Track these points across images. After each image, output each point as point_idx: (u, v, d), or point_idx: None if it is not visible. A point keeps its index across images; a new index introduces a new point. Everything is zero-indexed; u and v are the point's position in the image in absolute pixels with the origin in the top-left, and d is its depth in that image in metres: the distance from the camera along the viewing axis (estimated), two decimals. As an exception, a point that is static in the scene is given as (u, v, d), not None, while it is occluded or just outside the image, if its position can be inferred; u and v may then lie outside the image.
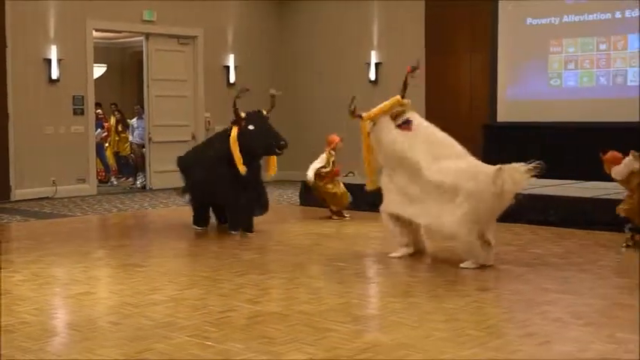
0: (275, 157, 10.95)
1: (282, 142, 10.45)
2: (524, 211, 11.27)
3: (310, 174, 11.93)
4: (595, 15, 14.22)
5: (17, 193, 14.95)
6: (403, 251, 8.79)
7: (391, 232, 8.97)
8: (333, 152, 12.06)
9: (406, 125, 8.65)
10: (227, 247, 10.00)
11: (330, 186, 12.03)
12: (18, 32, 15.00)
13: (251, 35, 18.56)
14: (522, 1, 15.01)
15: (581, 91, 14.39)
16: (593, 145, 13.59)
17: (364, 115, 8.83)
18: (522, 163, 7.96)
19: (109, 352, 5.46)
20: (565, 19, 14.54)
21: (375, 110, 8.83)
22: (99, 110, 18.02)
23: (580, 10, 14.36)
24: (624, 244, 9.31)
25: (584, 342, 5.67)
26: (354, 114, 8.96)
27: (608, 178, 11.61)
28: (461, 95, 15.96)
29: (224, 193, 10.45)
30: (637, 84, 13.75)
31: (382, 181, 8.89)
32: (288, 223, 12.03)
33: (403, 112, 8.83)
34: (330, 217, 12.09)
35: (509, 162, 8.26)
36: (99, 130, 17.98)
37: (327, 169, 11.97)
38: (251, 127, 10.44)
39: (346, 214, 12.16)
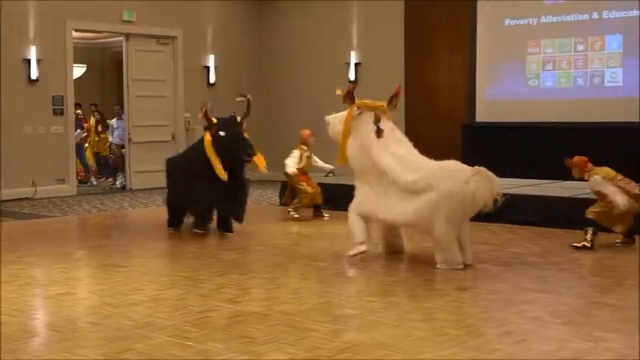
0: (261, 156, 10.75)
1: (250, 151, 10.32)
2: (504, 211, 11.34)
3: (291, 165, 11.87)
4: (573, 16, 14.26)
5: (-4, 194, 14.89)
6: (360, 249, 8.63)
7: (352, 229, 8.78)
8: (304, 147, 12.00)
9: (378, 132, 8.68)
10: (207, 248, 9.99)
11: (303, 183, 11.95)
12: (-3, 32, 14.93)
13: (231, 35, 18.53)
14: (501, 2, 15.04)
15: (558, 91, 14.43)
16: (571, 146, 13.70)
17: (357, 101, 8.86)
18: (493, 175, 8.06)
19: (89, 353, 5.44)
20: (543, 19, 14.58)
21: (367, 102, 8.90)
22: (79, 111, 17.97)
23: (558, 11, 14.40)
24: (580, 244, 9.24)
25: (563, 341, 5.69)
26: (347, 98, 8.93)
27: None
28: (440, 95, 16.00)
29: (197, 196, 10.35)
30: (614, 85, 13.81)
31: (356, 182, 8.92)
32: (268, 223, 12.02)
33: (379, 119, 8.80)
34: (289, 215, 12.02)
35: (488, 162, 8.31)
36: (78, 130, 17.92)
37: (301, 165, 11.95)
38: (222, 134, 10.32)
39: (326, 214, 12.09)
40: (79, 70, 19.01)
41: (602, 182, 9.31)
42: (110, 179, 18.45)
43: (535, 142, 13.90)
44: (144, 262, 8.89)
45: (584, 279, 7.81)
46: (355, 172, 8.92)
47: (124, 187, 17.10)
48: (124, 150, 17.31)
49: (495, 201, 8.03)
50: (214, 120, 10.50)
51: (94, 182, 18.75)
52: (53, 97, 15.79)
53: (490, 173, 8.03)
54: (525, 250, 9.33)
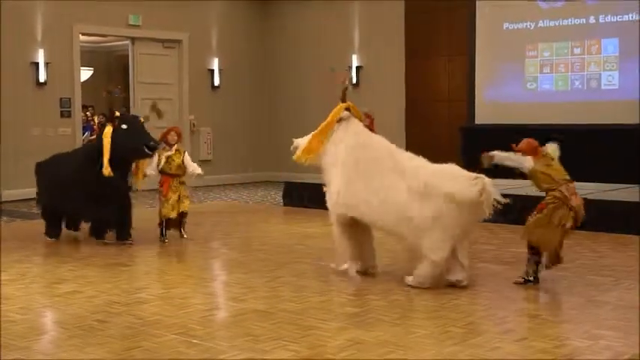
0: (145, 162, 10.02)
1: (152, 143, 9.66)
2: (503, 211, 11.31)
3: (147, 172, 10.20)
4: (569, 20, 14.26)
5: (5, 194, 14.87)
6: (349, 265, 7.97)
7: (338, 242, 8.09)
8: (167, 146, 10.11)
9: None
10: (212, 247, 9.99)
11: (160, 189, 10.23)
12: (5, 36, 14.92)
13: (235, 39, 18.52)
14: (499, 7, 15.03)
15: (556, 94, 14.43)
16: (569, 147, 13.70)
17: (349, 103, 8.26)
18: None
19: (97, 350, 5.43)
20: (540, 24, 14.57)
21: (355, 109, 8.30)
22: (89, 112, 17.93)
23: (555, 15, 14.39)
24: (521, 279, 7.45)
25: (561, 338, 5.68)
26: (344, 97, 8.34)
27: (584, 178, 11.58)
28: (440, 98, 15.98)
29: (82, 203, 9.86)
30: (610, 87, 13.80)
31: (332, 182, 8.05)
32: (272, 223, 12.01)
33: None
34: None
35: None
36: (87, 133, 17.89)
37: (161, 166, 10.09)
38: (124, 127, 9.72)
39: (186, 234, 10.29)
40: (85, 73, 18.99)
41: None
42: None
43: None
44: (149, 262, 8.90)
45: (582, 278, 7.78)
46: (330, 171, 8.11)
47: (129, 188, 17.05)
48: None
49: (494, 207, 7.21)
50: (117, 113, 9.95)
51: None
52: (61, 99, 15.80)
53: (489, 181, 7.24)
54: (525, 250, 9.29)
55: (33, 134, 15.28)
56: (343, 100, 8.29)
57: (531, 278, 7.37)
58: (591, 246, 9.53)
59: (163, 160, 9.99)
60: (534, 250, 7.40)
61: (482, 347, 5.44)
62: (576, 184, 7.21)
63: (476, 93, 15.31)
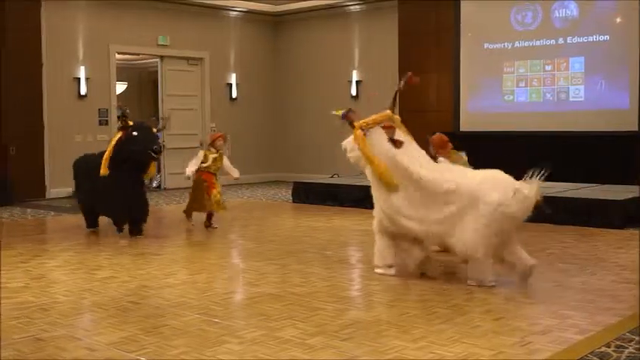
0: (153, 163, 9.99)
1: (156, 147, 9.56)
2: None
3: (188, 169, 10.24)
4: (541, 41, 14.25)
5: (52, 192, 14.91)
6: (390, 271, 7.25)
7: (379, 249, 7.35)
8: (212, 148, 10.35)
9: (396, 143, 7.20)
10: (231, 238, 10.00)
11: (205, 184, 10.26)
12: (52, 54, 14.96)
13: (250, 57, 18.53)
14: (480, 30, 15.02)
15: (530, 105, 14.41)
16: (542, 151, 13.73)
17: (356, 123, 7.25)
18: (533, 182, 6.77)
19: (130, 327, 5.45)
20: (517, 44, 14.56)
21: (368, 120, 7.28)
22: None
23: (529, 37, 14.39)
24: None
25: (534, 318, 5.69)
26: (347, 119, 7.31)
27: (554, 178, 11.52)
28: (429, 108, 15.95)
29: (106, 201, 9.82)
30: (577, 100, 13.79)
31: (375, 197, 7.25)
32: (282, 217, 12.01)
33: (392, 128, 7.41)
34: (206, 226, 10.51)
35: (471, 165, 8.19)
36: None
37: (207, 165, 10.27)
38: (135, 134, 9.64)
39: (215, 224, 10.49)
40: (121, 87, 19.00)
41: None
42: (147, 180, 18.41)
43: (510, 148, 13.90)
44: (176, 251, 8.90)
45: (552, 265, 7.78)
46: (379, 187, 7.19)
47: (159, 187, 17.10)
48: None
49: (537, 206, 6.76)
50: (130, 123, 9.88)
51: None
52: (99, 110, 15.81)
53: (534, 183, 6.76)
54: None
55: (75, 140, 15.30)
56: (352, 126, 7.30)
57: None
58: (558, 237, 9.53)
59: (210, 161, 10.24)
60: None
61: (466, 325, 5.45)
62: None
63: (460, 104, 15.31)
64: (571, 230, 10.11)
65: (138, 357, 4.80)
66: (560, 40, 14.04)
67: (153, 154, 9.61)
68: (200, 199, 10.31)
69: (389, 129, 7.33)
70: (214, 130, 17.55)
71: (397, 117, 7.61)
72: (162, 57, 17.01)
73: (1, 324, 5.57)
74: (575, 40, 13.86)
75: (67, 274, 7.53)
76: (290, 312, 5.88)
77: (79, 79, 15.41)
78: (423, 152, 7.40)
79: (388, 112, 7.48)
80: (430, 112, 15.92)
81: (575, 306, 6.03)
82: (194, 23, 17.30)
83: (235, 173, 10.52)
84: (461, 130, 15.19)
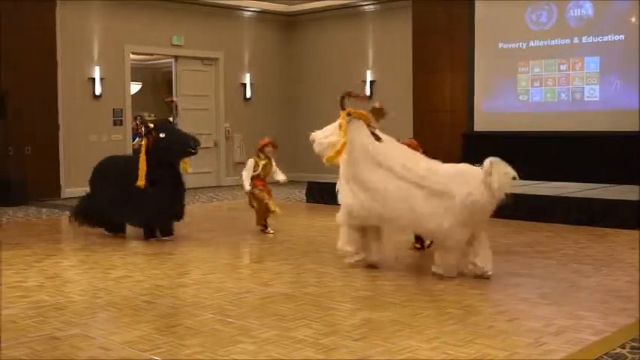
0: (187, 158, 9.72)
1: (193, 142, 9.41)
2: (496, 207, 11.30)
3: (246, 184, 10.07)
4: (556, 40, 14.19)
5: (66, 192, 14.97)
6: (357, 258, 7.68)
7: (347, 238, 7.68)
8: (262, 155, 10.23)
9: (376, 136, 7.56)
10: (244, 238, 10.00)
11: (256, 192, 10.09)
12: (67, 55, 15.04)
13: (264, 57, 18.57)
14: (495, 29, 14.99)
15: (545, 105, 14.36)
16: (556, 151, 13.69)
17: (349, 109, 7.64)
18: (508, 167, 6.93)
19: (144, 327, 5.47)
20: (531, 44, 14.52)
21: (359, 110, 7.69)
22: (138, 121, 17.97)
23: (544, 36, 14.34)
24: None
25: (549, 318, 5.66)
26: (343, 102, 7.73)
27: (569, 178, 11.57)
28: (443, 108, 15.94)
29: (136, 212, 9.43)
30: (592, 99, 13.74)
31: (344, 189, 7.64)
32: (296, 217, 12.02)
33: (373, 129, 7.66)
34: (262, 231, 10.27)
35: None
36: (137, 139, 17.94)
37: (257, 172, 10.15)
38: (162, 135, 9.33)
39: (271, 230, 10.24)
40: (135, 87, 19.06)
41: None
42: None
43: (525, 148, 13.87)
44: (190, 251, 8.91)
45: (566, 266, 7.76)
46: (347, 176, 7.62)
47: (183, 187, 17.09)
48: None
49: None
50: (151, 125, 9.57)
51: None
52: (114, 110, 15.89)
53: (504, 163, 6.94)
54: (516, 241, 9.29)
55: (90, 140, 15.38)
56: (342, 108, 7.71)
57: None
58: (573, 237, 9.50)
59: (261, 168, 10.12)
60: None
61: (479, 325, 5.44)
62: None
63: (474, 104, 15.28)
64: (585, 231, 10.07)
65: (152, 356, 4.82)
66: (575, 40, 13.99)
67: (192, 150, 9.48)
68: (264, 207, 10.09)
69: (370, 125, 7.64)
70: (228, 131, 17.64)
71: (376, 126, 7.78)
72: (176, 57, 17.06)
73: (17, 323, 5.61)
74: (590, 39, 13.81)
75: (82, 274, 7.57)
76: (304, 312, 5.88)
77: (93, 79, 15.47)
78: (403, 147, 7.75)
79: (369, 115, 7.74)
80: (444, 112, 15.91)
81: (590, 307, 6.01)
82: (208, 23, 17.34)
83: (281, 177, 10.37)
84: (475, 130, 15.16)
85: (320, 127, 8.09)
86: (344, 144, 7.49)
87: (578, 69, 13.96)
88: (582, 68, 13.91)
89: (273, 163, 10.38)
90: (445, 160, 7.54)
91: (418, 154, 7.79)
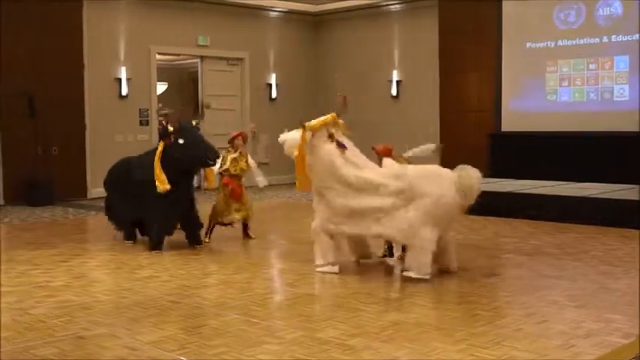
0: (212, 169, 9.27)
1: (211, 154, 8.74)
2: (524, 207, 11.27)
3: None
4: (585, 39, 14.09)
5: (93, 192, 15.06)
6: (329, 269, 7.47)
7: (321, 248, 7.62)
8: (231, 149, 9.55)
9: (342, 147, 7.47)
10: (270, 239, 10.01)
11: (219, 193, 9.60)
12: (93, 55, 15.14)
13: (290, 57, 18.58)
14: (522, 28, 14.91)
15: (573, 105, 14.26)
16: (584, 151, 13.59)
17: (306, 124, 7.52)
18: (475, 170, 6.97)
19: (170, 327, 5.49)
20: (559, 43, 14.42)
21: (315, 122, 7.56)
22: (164, 121, 18.02)
23: (572, 35, 14.24)
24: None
25: (577, 321, 5.61)
26: (303, 124, 7.56)
27: (596, 179, 11.46)
28: (470, 108, 15.87)
29: (148, 213, 8.89)
30: (621, 99, 13.63)
31: (315, 200, 7.82)
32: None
33: (333, 133, 7.55)
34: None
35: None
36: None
37: (225, 167, 9.41)
38: (181, 141, 8.65)
39: (252, 234, 9.74)
40: (161, 87, 19.15)
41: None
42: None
43: (553, 149, 13.78)
44: (215, 251, 8.93)
45: (595, 267, 7.69)
46: (319, 190, 7.69)
47: (198, 187, 17.17)
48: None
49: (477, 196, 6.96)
50: (171, 128, 8.83)
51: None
52: (140, 110, 15.97)
53: (473, 169, 6.99)
54: (544, 242, 9.23)
55: (116, 140, 15.48)
56: (339, 115, 7.75)
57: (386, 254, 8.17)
58: (602, 239, 9.41)
59: (229, 162, 9.38)
60: None
61: (507, 328, 5.40)
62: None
63: (502, 104, 15.20)
64: (615, 232, 9.98)
65: (178, 356, 4.83)
66: (605, 39, 13.88)
67: (210, 162, 8.87)
68: (218, 207, 9.51)
69: (331, 135, 7.53)
70: (254, 131, 17.66)
71: (341, 121, 7.76)
72: (202, 57, 17.12)
73: (44, 322, 5.66)
74: (620, 38, 13.69)
75: (108, 274, 7.62)
76: (330, 313, 5.88)
77: (120, 79, 15.57)
78: (364, 157, 7.63)
79: (334, 114, 7.69)
80: (471, 112, 15.84)
81: (619, 309, 5.95)
82: (234, 23, 17.38)
83: (260, 183, 9.55)
84: (502, 130, 15.08)
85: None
86: (297, 157, 7.56)
87: (608, 68, 13.84)
88: (611, 67, 13.80)
89: (250, 161, 9.53)
90: (472, 161, 7.48)
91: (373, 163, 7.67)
